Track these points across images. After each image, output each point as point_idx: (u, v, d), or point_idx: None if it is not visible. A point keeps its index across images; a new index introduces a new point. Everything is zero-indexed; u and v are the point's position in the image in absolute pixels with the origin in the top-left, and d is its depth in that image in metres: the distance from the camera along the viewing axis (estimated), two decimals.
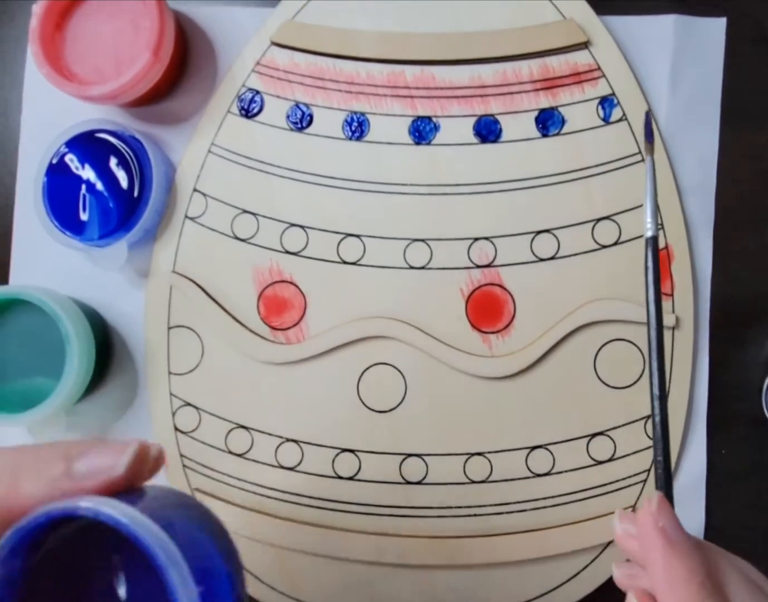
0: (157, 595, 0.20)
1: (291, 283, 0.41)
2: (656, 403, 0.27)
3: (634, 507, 0.41)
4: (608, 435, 0.40)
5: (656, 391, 0.27)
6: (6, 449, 0.20)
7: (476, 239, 0.41)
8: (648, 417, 0.40)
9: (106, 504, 0.18)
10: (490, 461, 0.40)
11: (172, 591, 0.18)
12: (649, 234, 0.29)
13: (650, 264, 0.28)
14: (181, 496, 0.23)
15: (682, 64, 0.42)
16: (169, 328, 0.42)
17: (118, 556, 0.21)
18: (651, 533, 0.24)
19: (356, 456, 0.41)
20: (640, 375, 0.41)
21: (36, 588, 0.20)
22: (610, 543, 0.40)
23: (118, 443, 0.20)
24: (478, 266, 0.41)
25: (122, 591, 0.21)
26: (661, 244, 0.41)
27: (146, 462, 0.20)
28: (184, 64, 0.43)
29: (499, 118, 0.41)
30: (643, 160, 0.41)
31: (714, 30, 0.42)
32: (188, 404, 0.41)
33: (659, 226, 0.41)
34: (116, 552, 0.21)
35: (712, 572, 0.24)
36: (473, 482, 0.40)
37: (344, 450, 0.41)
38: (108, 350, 0.43)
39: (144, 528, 0.18)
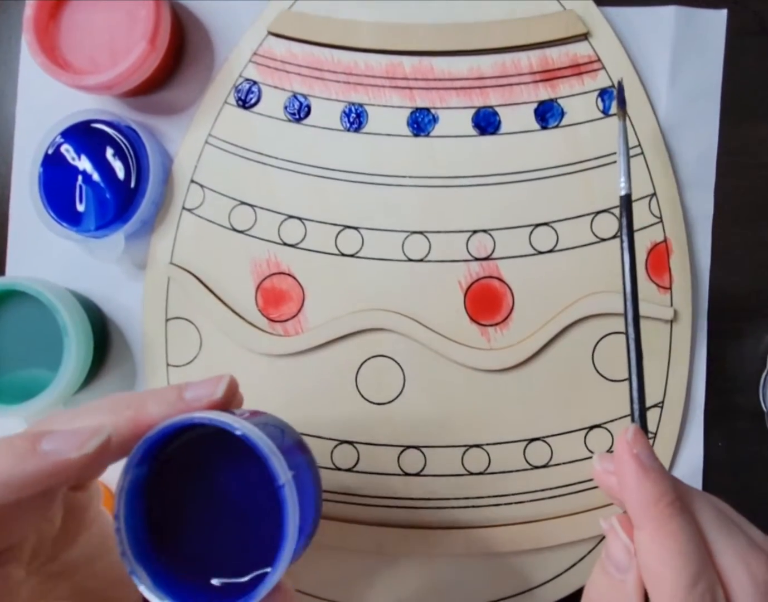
0: (250, 490, 0.25)
1: (289, 274, 0.41)
2: (631, 344, 0.28)
3: None
4: (606, 428, 0.41)
5: (631, 333, 0.29)
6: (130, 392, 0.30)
7: (475, 232, 0.41)
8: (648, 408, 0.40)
9: (216, 414, 0.24)
10: (488, 453, 0.41)
11: (273, 475, 0.23)
12: (623, 192, 0.30)
13: (624, 221, 0.29)
14: (264, 413, 0.28)
15: (682, 56, 0.41)
16: (167, 320, 0.41)
17: (220, 462, 0.26)
18: (626, 459, 0.25)
19: (355, 447, 0.41)
20: None
21: (155, 488, 0.25)
22: None
23: (213, 377, 0.25)
24: (477, 259, 0.41)
25: (224, 488, 0.26)
26: (660, 238, 0.41)
27: (236, 390, 0.26)
28: (181, 54, 0.42)
29: (498, 109, 0.41)
30: (642, 153, 0.41)
31: (714, 22, 0.42)
32: None
33: (658, 220, 0.41)
34: (218, 457, 0.26)
35: (683, 497, 0.25)
36: (471, 474, 0.41)
37: (343, 441, 0.41)
38: (105, 341, 0.42)
39: (247, 429, 0.23)
